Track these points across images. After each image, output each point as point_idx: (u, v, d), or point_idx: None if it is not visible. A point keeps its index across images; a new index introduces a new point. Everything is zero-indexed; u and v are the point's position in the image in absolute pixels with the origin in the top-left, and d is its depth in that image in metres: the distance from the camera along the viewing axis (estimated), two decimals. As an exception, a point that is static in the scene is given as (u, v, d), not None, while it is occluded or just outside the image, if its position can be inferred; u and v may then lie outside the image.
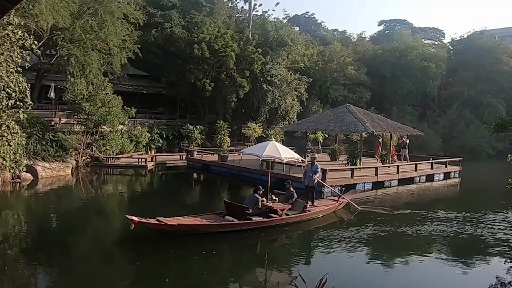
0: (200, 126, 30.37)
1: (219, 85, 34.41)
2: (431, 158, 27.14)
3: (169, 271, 9.21)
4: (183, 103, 38.56)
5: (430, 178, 24.91)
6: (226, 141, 25.92)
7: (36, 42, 18.36)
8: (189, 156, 27.66)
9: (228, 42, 34.52)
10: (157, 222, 10.55)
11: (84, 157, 23.69)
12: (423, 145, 39.63)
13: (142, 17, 30.43)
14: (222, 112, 35.45)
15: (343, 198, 15.38)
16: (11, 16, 16.12)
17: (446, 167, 26.81)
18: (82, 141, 23.74)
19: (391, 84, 48.22)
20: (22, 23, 17.34)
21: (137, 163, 25.38)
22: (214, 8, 41.48)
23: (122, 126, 26.98)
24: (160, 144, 31.09)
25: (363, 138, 25.15)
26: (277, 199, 13.26)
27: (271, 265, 10.14)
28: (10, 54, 16.43)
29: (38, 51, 19.63)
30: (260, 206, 12.30)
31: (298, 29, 56.93)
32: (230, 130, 28.55)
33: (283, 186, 19.58)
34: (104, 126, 25.16)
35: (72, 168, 21.80)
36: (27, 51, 17.98)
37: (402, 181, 22.51)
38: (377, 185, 21.01)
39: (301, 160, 14.67)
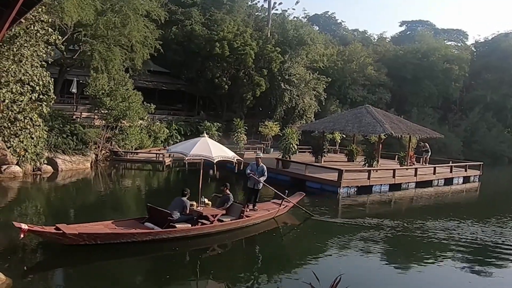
0: (218, 123, 30.55)
1: (237, 83, 34.56)
2: (450, 162, 26.73)
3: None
4: (202, 100, 38.84)
5: (449, 181, 24.52)
6: (243, 138, 26.04)
7: (60, 38, 18.81)
8: (205, 153, 27.78)
9: (247, 40, 34.61)
10: (52, 231, 8.76)
11: (103, 151, 24.11)
12: (443, 148, 39.07)
13: (163, 14, 30.83)
14: (239, 110, 35.60)
15: (288, 201, 13.71)
16: (41, 12, 16.55)
17: (465, 171, 26.36)
18: (102, 135, 24.16)
19: (412, 85, 47.60)
20: (49, 19, 17.77)
21: (154, 159, 25.70)
22: (233, 6, 41.63)
23: (141, 122, 27.37)
24: (178, 140, 31.36)
25: (381, 140, 24.91)
26: (210, 203, 11.71)
27: (181, 281, 8.57)
28: (35, 49, 16.88)
29: (62, 46, 20.07)
30: (188, 212, 10.71)
31: (317, 28, 56.80)
32: (246, 128, 28.66)
33: (298, 186, 19.78)
34: (123, 121, 25.57)
35: (92, 162, 22.19)
36: (51, 46, 18.43)
37: (420, 184, 22.22)
38: (394, 187, 20.79)
39: (237, 159, 12.39)
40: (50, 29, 17.55)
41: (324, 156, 24.99)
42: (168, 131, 30.12)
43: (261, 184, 13.17)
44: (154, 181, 22.49)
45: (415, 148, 27.60)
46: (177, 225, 10.18)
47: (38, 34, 16.81)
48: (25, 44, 16.30)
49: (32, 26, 16.33)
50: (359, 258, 10.54)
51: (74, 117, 26.08)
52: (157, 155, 26.02)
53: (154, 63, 34.38)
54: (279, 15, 45.27)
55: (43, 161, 18.75)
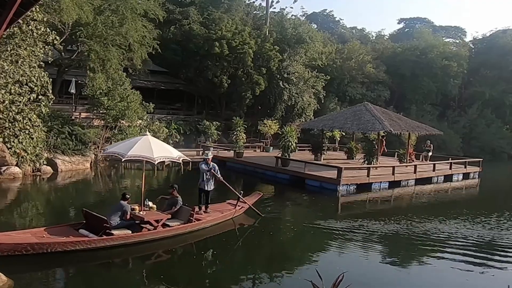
0: (217, 122, 30.53)
1: (236, 81, 34.55)
2: (450, 158, 26.75)
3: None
4: (201, 99, 38.83)
5: (448, 178, 24.55)
6: (242, 137, 26.02)
7: (58, 38, 18.78)
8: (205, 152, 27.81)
9: (245, 39, 34.58)
10: None
11: (102, 152, 24.08)
12: (442, 145, 39.07)
13: (161, 13, 30.81)
14: (239, 108, 35.59)
15: (244, 202, 12.97)
16: (35, 12, 16.50)
17: (465, 167, 26.39)
18: (101, 135, 24.12)
19: (411, 82, 47.62)
20: (45, 19, 17.73)
21: (188, 158, 25.58)
22: (231, 5, 41.61)
23: (140, 121, 27.32)
24: (177, 140, 31.34)
25: (383, 137, 24.91)
26: (154, 206, 10.84)
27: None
28: (33, 49, 16.86)
29: (60, 46, 20.03)
30: (128, 217, 9.88)
31: (316, 26, 56.75)
32: (246, 126, 28.66)
33: (298, 184, 19.82)
34: (122, 121, 25.53)
35: (91, 162, 22.17)
36: (49, 46, 18.41)
37: (419, 181, 22.24)
38: (394, 184, 20.81)
39: (182, 159, 11.43)
40: (48, 29, 17.54)
41: (324, 154, 25.00)
42: (167, 130, 30.08)
43: (212, 185, 12.29)
44: (154, 181, 22.42)
45: (415, 145, 27.60)
46: (115, 232, 9.37)
47: (35, 34, 16.78)
48: (21, 44, 16.27)
49: (26, 25, 16.29)
50: (359, 256, 10.54)
51: (73, 117, 26.01)
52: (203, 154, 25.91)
53: (153, 63, 34.37)
54: (277, 14, 45.22)
55: (43, 161, 18.73)
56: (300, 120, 36.18)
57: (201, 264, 9.50)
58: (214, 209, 12.38)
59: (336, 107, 39.51)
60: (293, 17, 45.28)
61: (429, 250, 11.22)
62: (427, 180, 22.93)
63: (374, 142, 23.59)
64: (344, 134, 31.68)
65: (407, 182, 21.79)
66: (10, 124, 16.05)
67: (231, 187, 12.98)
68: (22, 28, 16.10)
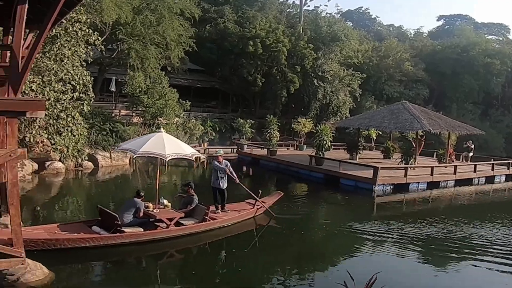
0: (251, 120, 30.74)
1: (270, 80, 34.64)
2: (492, 159, 25.75)
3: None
4: (235, 97, 39.17)
5: (490, 180, 23.65)
6: (276, 135, 26.05)
7: (99, 38, 19.44)
8: (239, 149, 28.11)
9: (279, 37, 34.63)
10: None
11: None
12: (484, 145, 37.65)
13: (197, 12, 31.36)
14: (273, 107, 35.67)
15: (262, 202, 12.54)
16: (79, 13, 17.16)
17: (508, 169, 25.32)
18: (140, 132, 24.79)
19: (451, 81, 46.10)
20: (88, 20, 18.38)
21: (189, 156, 26.07)
22: (265, 3, 41.78)
23: (177, 119, 27.90)
24: (212, 137, 31.79)
25: (422, 137, 24.30)
26: (169, 204, 10.72)
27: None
28: (76, 49, 17.51)
29: (101, 46, 20.71)
30: (141, 214, 9.80)
31: (351, 24, 56.03)
32: (279, 124, 28.68)
33: (332, 183, 19.64)
34: (160, 118, 26.16)
35: (130, 158, 22.79)
36: (91, 46, 19.08)
37: (459, 182, 21.55)
38: (432, 185, 20.26)
39: (195, 157, 11.33)
40: (89, 30, 18.18)
41: (359, 153, 24.67)
42: (203, 128, 30.56)
43: (226, 183, 11.89)
44: (189, 177, 22.85)
45: (455, 145, 26.76)
46: (126, 230, 9.28)
47: (78, 34, 17.43)
48: (66, 44, 16.93)
49: (71, 26, 16.95)
50: (392, 259, 10.31)
51: (113, 114, 26.89)
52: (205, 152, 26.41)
53: (190, 61, 34.97)
54: (311, 12, 45.06)
55: (84, 157, 19.43)
56: (335, 119, 35.83)
57: (214, 265, 9.35)
58: (232, 208, 12.05)
59: (373, 106, 38.89)
60: (328, 15, 45.02)
61: (466, 256, 10.81)
62: (468, 182, 22.18)
63: (412, 142, 23.05)
64: (380, 133, 31.11)
65: (446, 183, 21.18)
66: (54, 121, 16.74)
67: (245, 187, 12.71)
68: (68, 29, 16.77)
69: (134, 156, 10.70)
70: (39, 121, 15.85)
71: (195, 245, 10.41)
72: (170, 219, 9.91)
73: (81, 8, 17.70)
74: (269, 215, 12.65)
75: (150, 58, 26.26)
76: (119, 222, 9.24)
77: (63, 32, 16.65)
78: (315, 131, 24.33)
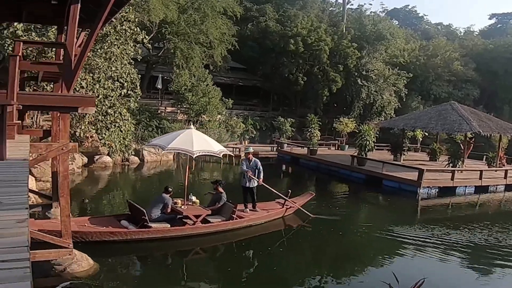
0: (291, 119, 30.69)
1: (311, 79, 34.42)
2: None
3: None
4: (276, 96, 39.21)
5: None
6: (316, 135, 25.84)
7: (146, 36, 20.04)
8: (279, 148, 28.12)
9: (321, 36, 34.33)
10: None
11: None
12: (539, 149, 35.58)
13: (239, 10, 31.70)
14: (314, 106, 35.42)
15: (291, 202, 12.26)
16: (128, 12, 17.77)
17: None
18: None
19: (504, 81, 43.93)
20: (136, 19, 19.00)
21: (231, 153, 26.42)
22: (307, 2, 41.62)
23: (219, 116, 28.34)
24: (253, 135, 32.01)
25: (471, 139, 23.33)
26: (197, 201, 10.69)
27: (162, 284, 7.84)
28: (124, 47, 18.12)
29: (149, 44, 21.36)
30: (169, 210, 9.76)
31: (397, 23, 54.69)
32: (320, 124, 28.43)
33: (374, 185, 19.22)
34: (204, 116, 26.68)
35: (174, 154, 23.39)
36: (138, 44, 19.71)
37: (510, 187, 20.46)
38: (481, 189, 19.39)
39: (223, 154, 11.11)
40: (137, 29, 18.77)
41: (404, 154, 23.99)
42: (244, 125, 30.84)
43: (255, 182, 11.60)
44: (230, 174, 23.13)
45: (506, 148, 25.47)
46: (153, 225, 9.30)
47: (127, 33, 18.04)
48: (115, 43, 17.55)
49: (120, 25, 17.56)
50: (436, 264, 9.95)
51: (159, 111, 27.70)
52: (234, 149, 26.73)
53: (232, 60, 35.39)
54: (354, 10, 44.33)
55: (131, 152, 20.13)
56: (379, 119, 35.12)
57: (239, 264, 9.22)
58: (261, 207, 11.83)
59: (419, 106, 37.83)
60: (372, 13, 44.15)
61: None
62: (520, 187, 21.04)
63: (460, 144, 22.16)
64: (427, 134, 30.19)
65: (496, 188, 20.20)
66: (102, 117, 17.43)
67: (273, 190, 12.31)
68: (117, 28, 17.39)
69: (163, 152, 10.93)
70: (89, 117, 16.55)
71: (222, 243, 10.29)
72: (197, 216, 9.86)
73: (130, 7, 18.32)
74: (302, 215, 12.33)
75: (195, 57, 26.85)
76: (146, 217, 9.24)
77: (113, 30, 17.28)
78: (357, 131, 23.92)
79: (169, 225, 9.52)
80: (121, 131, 18.38)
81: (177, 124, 25.60)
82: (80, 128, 16.60)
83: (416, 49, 43.55)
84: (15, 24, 14.02)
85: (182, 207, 10.11)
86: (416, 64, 41.60)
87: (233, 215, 10.42)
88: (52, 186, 10.65)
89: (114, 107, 17.64)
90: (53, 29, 14.00)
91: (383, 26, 37.93)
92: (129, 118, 18.98)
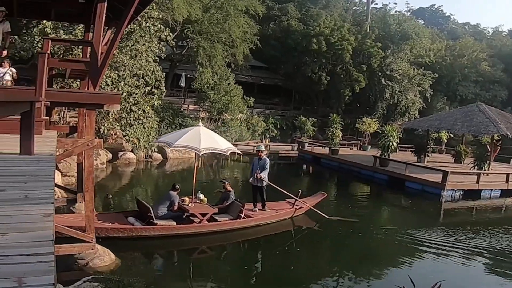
0: (313, 119, 30.52)
1: (334, 78, 34.17)
2: None
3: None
4: (298, 95, 39.06)
5: None
6: (338, 134, 25.60)
7: (171, 34, 20.25)
8: (300, 147, 28.00)
9: (344, 35, 34.05)
10: None
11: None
12: None
13: (262, 9, 31.77)
14: (336, 105, 35.14)
15: (302, 203, 11.97)
16: (152, 10, 17.98)
17: None
18: (206, 127, 25.53)
19: (534, 82, 42.67)
20: (160, 16, 19.22)
21: (252, 151, 26.46)
22: (330, 1, 41.40)
23: (241, 115, 28.43)
24: (274, 134, 31.98)
25: (494, 141, 22.73)
26: (205, 199, 10.49)
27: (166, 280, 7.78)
28: (149, 45, 18.34)
29: (172, 42, 21.57)
30: (175, 208, 9.65)
31: (422, 22, 53.77)
32: (343, 124, 28.19)
33: (396, 186, 18.92)
34: (225, 114, 26.82)
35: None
36: (163, 42, 19.93)
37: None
38: (507, 193, 18.85)
39: (230, 152, 10.91)
40: (162, 26, 18.99)
41: (428, 156, 23.57)
42: (265, 124, 30.85)
43: (264, 181, 11.36)
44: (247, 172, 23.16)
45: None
46: (159, 222, 9.20)
47: (151, 30, 18.26)
48: (140, 40, 17.80)
49: (145, 22, 17.78)
50: (457, 268, 9.70)
51: (182, 109, 28.00)
52: (254, 147, 26.77)
53: (253, 58, 35.45)
54: (379, 10, 43.78)
55: (154, 149, 20.38)
56: (402, 120, 34.61)
57: (245, 263, 9.09)
58: (271, 207, 11.60)
59: (444, 107, 37.13)
60: (397, 13, 43.52)
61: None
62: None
63: (487, 146, 21.61)
64: (452, 136, 29.59)
65: (524, 192, 19.60)
66: (126, 114, 17.71)
67: (281, 189, 12.03)
68: (141, 25, 17.62)
69: (170, 148, 10.67)
70: (113, 114, 16.83)
71: (228, 242, 10.12)
72: (203, 214, 9.72)
73: (154, 6, 18.53)
74: (314, 216, 11.96)
75: (217, 55, 27.01)
76: (152, 214, 9.16)
77: (137, 28, 17.52)
78: (380, 132, 23.60)
79: (175, 223, 9.44)
80: (145, 128, 18.65)
81: (199, 121, 25.82)
82: (104, 125, 16.91)
83: (442, 49, 42.71)
84: (44, 22, 14.39)
85: (189, 205, 10.01)
86: (442, 64, 40.81)
87: (241, 214, 10.24)
88: (77, 181, 10.88)
89: (138, 104, 17.90)
90: (80, 27, 14.29)
91: (408, 25, 37.39)
92: (153, 116, 19.22)
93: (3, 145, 4.60)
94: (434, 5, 69.41)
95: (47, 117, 7.18)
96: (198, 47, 26.70)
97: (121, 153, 19.14)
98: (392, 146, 21.00)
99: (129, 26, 16.02)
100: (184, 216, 9.73)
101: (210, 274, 8.32)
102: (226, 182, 11.02)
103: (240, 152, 13.49)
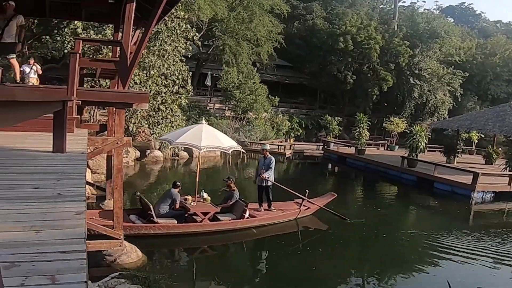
0: (339, 118, 30.22)
1: (360, 77, 33.79)
2: None
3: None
4: (323, 94, 38.75)
5: None
6: (365, 134, 25.22)
7: (197, 34, 20.42)
8: (325, 147, 27.77)
9: (371, 34, 33.62)
10: None
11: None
12: None
13: (286, 8, 31.69)
14: (363, 104, 34.69)
15: (311, 203, 11.51)
16: (178, 10, 18.17)
17: None
18: (231, 126, 25.70)
19: None
20: (186, 16, 19.40)
21: (276, 150, 26.43)
22: (356, -1, 40.84)
23: (265, 114, 28.43)
24: (298, 133, 31.83)
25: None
26: (208, 198, 10.27)
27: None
28: (176, 44, 18.54)
29: (198, 41, 21.74)
30: (176, 206, 9.45)
31: (452, 20, 52.48)
32: (369, 123, 27.79)
33: (425, 187, 18.50)
34: (250, 113, 26.88)
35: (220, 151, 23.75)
36: (189, 42, 20.12)
37: None
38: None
39: (232, 150, 10.68)
40: (188, 26, 19.16)
41: (458, 157, 22.99)
42: (289, 123, 30.74)
43: (270, 181, 11.04)
44: (274, 172, 23.04)
45: None
46: (160, 221, 9.05)
47: (178, 30, 18.46)
48: (167, 40, 18.01)
49: (171, 22, 17.98)
50: (489, 272, 9.37)
51: (208, 108, 28.22)
52: (279, 146, 26.72)
53: (278, 57, 35.37)
54: (407, 8, 43.01)
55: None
56: (431, 119, 33.91)
57: (247, 264, 8.93)
58: (277, 207, 11.24)
59: (475, 107, 36.18)
60: (426, 11, 42.67)
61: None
62: None
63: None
64: (483, 136, 28.74)
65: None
66: (154, 113, 17.97)
67: (288, 189, 11.69)
68: (168, 25, 17.82)
69: (170, 146, 10.88)
70: (141, 112, 17.10)
71: (231, 242, 9.90)
72: (205, 213, 9.49)
73: (180, 5, 18.71)
74: (324, 217, 11.56)
75: (243, 53, 27.12)
76: (152, 212, 9.02)
77: (164, 27, 17.74)
78: (408, 131, 23.14)
79: (175, 221, 9.28)
80: (172, 127, 18.88)
81: (224, 120, 25.99)
82: (133, 123, 17.19)
83: (473, 47, 41.58)
84: (76, 22, 14.73)
85: (192, 203, 9.84)
86: (472, 63, 39.73)
87: (244, 214, 9.99)
88: (107, 178, 11.10)
89: (166, 104, 18.14)
90: (110, 27, 14.56)
91: (437, 23, 36.60)
92: (180, 114, 19.45)
93: (37, 143, 4.73)
94: (464, 3, 67.55)
95: (78, 116, 7.32)
96: (224, 46, 26.87)
97: (148, 151, 19.45)
98: (421, 146, 20.55)
99: (156, 26, 16.25)
100: (186, 215, 9.57)
101: (207, 275, 8.17)
102: (230, 181, 10.64)
103: (244, 151, 13.24)
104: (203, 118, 15.14)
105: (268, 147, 12.03)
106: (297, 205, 11.37)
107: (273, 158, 11.31)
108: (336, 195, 12.54)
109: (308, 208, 11.43)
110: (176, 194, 9.50)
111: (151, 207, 9.11)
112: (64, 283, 1.82)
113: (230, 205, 10.31)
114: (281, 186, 11.67)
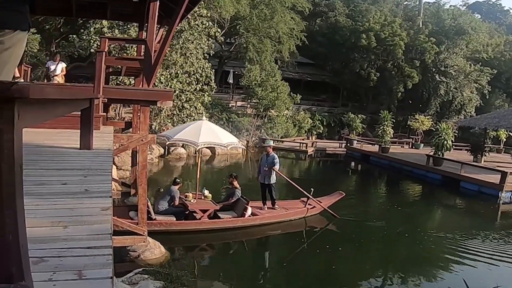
0: (362, 115, 29.87)
1: (384, 74, 33.32)
2: None
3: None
4: (346, 92, 38.36)
5: None
6: (389, 132, 24.81)
7: (219, 31, 20.51)
8: (348, 144, 27.50)
9: (396, 31, 33.13)
10: None
11: (253, 138, 25.69)
12: None
13: (308, 6, 31.54)
14: (387, 102, 34.19)
15: (316, 202, 11.03)
16: (201, 8, 18.29)
17: None
18: (253, 123, 25.75)
19: None
20: (208, 14, 19.50)
21: (298, 148, 26.34)
22: (379, -4, 40.26)
23: (287, 111, 28.36)
24: (320, 131, 31.63)
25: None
26: (210, 195, 10.06)
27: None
28: (199, 42, 18.67)
29: (221, 39, 21.82)
30: (176, 203, 9.34)
31: (479, 16, 51.17)
32: (394, 121, 27.35)
33: (450, 186, 18.08)
34: (272, 110, 26.86)
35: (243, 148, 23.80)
36: (211, 40, 20.23)
37: None
38: None
39: (231, 147, 10.48)
40: (210, 23, 19.26)
41: (485, 155, 22.39)
42: (311, 121, 30.55)
43: (273, 178, 10.66)
44: (296, 169, 23.03)
45: None
46: (158, 217, 8.94)
47: (199, 28, 18.57)
48: (190, 38, 18.14)
49: (194, 20, 18.10)
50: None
51: (230, 105, 28.35)
52: (301, 144, 26.61)
53: (300, 55, 35.18)
54: (432, 4, 42.23)
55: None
56: (458, 117, 33.17)
57: (244, 264, 8.75)
58: (282, 206, 10.93)
59: (504, 104, 35.22)
60: (452, 7, 41.75)
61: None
62: None
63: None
64: (511, 134, 27.89)
65: None
66: (178, 111, 18.16)
67: (294, 184, 11.39)
68: (190, 23, 17.96)
69: (167, 142, 10.70)
70: (166, 110, 17.30)
71: (231, 241, 9.78)
72: (204, 211, 9.31)
73: (202, 3, 18.84)
74: (331, 217, 11.18)
75: (266, 50, 27.15)
76: (150, 209, 8.84)
77: (187, 26, 17.88)
78: (434, 129, 22.66)
79: (174, 218, 9.15)
80: (196, 124, 19.04)
81: (246, 118, 26.06)
82: (157, 122, 17.41)
83: (501, 44, 40.43)
84: (102, 21, 15.01)
85: (192, 201, 9.68)
86: (501, 60, 38.63)
87: (245, 212, 9.72)
88: (132, 174, 11.27)
89: (190, 102, 18.31)
90: (134, 26, 14.77)
91: (464, 20, 35.87)
92: (203, 112, 19.60)
93: (65, 140, 4.84)
94: (491, -1, 65.79)
95: (105, 113, 7.45)
96: (247, 43, 26.94)
97: (172, 148, 19.66)
98: (447, 145, 20.10)
99: (179, 25, 16.40)
100: (186, 212, 9.45)
101: (203, 274, 8.05)
102: (233, 178, 10.42)
103: (244, 147, 13.01)
104: (203, 114, 14.80)
105: (271, 143, 11.76)
106: (303, 203, 11.06)
107: (276, 156, 10.98)
108: (344, 194, 12.02)
109: (314, 207, 11.08)
110: (176, 191, 9.41)
111: (149, 203, 8.90)
112: (91, 278, 1.84)
113: (232, 203, 10.12)
114: (287, 178, 11.55)
